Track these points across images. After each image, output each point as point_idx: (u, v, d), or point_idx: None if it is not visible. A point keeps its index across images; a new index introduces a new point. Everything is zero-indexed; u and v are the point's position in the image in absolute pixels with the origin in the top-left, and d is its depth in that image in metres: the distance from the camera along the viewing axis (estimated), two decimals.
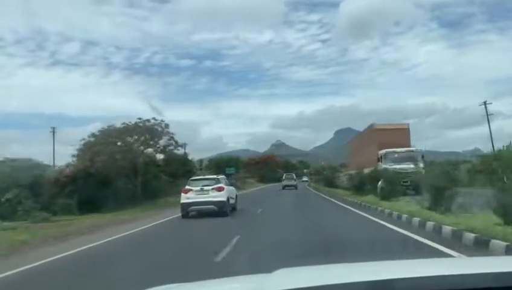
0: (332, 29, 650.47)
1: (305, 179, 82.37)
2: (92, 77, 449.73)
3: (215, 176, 19.48)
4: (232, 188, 20.24)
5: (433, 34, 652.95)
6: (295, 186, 50.08)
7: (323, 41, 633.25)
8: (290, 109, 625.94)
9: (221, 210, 17.24)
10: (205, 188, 17.65)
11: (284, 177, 54.14)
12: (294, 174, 57.09)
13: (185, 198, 17.69)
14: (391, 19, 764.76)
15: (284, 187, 49.26)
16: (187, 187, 18.01)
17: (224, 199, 17.51)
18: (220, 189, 17.65)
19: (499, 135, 48.25)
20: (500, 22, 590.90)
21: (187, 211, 17.57)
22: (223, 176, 20.47)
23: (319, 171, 69.00)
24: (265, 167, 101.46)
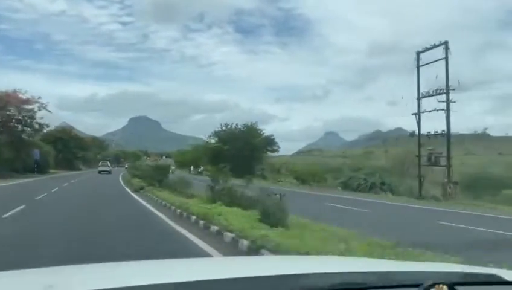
0: (134, 14, 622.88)
1: (126, 166, 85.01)
2: None
3: None
4: None
5: (229, 37, 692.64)
6: (109, 172, 56.21)
7: (124, 23, 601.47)
8: (81, 89, 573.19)
9: None
10: None
11: (100, 164, 62.19)
12: (109, 162, 66.95)
13: None
14: (193, 14, 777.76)
15: (100, 172, 55.71)
16: None
17: None
18: None
19: (276, 134, 60.12)
20: (284, 37, 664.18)
21: None
22: None
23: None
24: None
